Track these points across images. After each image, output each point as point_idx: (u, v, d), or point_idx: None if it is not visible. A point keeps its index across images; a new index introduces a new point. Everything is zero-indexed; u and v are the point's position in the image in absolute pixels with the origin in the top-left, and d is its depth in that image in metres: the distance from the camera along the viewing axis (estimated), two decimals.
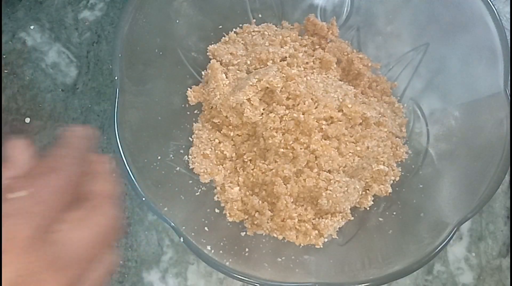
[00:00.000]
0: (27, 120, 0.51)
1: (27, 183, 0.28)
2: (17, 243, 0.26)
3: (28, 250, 0.26)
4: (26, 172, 0.29)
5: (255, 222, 0.44)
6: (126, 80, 0.41)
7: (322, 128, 0.44)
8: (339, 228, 0.44)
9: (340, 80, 0.48)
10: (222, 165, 0.46)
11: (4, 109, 0.51)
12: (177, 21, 0.46)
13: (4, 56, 0.52)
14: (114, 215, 0.30)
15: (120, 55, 0.41)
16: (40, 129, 0.50)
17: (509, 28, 0.41)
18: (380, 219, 0.44)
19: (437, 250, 0.38)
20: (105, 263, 0.30)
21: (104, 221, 0.29)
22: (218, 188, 0.45)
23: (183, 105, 0.47)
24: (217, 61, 0.47)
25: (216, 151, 0.46)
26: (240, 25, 0.50)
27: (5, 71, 0.52)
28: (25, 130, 0.50)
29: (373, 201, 0.45)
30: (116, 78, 0.40)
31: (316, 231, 0.43)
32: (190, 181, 0.45)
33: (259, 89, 0.43)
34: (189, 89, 0.47)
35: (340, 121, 0.44)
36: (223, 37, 0.49)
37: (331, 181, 0.43)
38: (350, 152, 0.44)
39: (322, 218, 0.43)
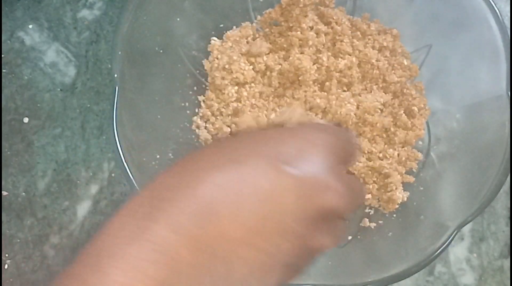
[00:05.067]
0: (26, 119, 0.50)
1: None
2: (328, 142, 0.29)
3: (334, 151, 0.29)
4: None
5: None
6: (126, 78, 0.41)
7: None
8: None
9: None
10: None
11: (2, 109, 0.51)
12: (178, 19, 0.46)
13: (2, 56, 0.52)
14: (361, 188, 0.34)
15: (120, 52, 0.40)
16: (39, 129, 0.50)
17: (509, 27, 0.41)
18: (380, 221, 0.44)
19: (437, 253, 0.38)
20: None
21: (358, 186, 0.31)
22: None
23: (182, 104, 0.46)
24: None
25: None
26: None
27: (4, 70, 0.51)
28: (23, 129, 0.50)
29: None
30: (115, 76, 0.40)
31: None
32: None
33: None
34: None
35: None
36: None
37: None
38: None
39: None
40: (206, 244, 0.25)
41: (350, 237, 0.44)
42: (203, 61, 0.48)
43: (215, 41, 0.48)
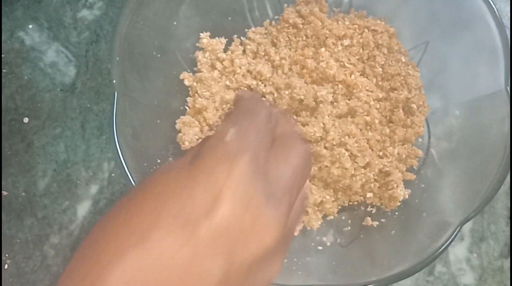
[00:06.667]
0: (26, 119, 0.50)
1: (234, 121, 0.29)
2: (237, 177, 0.25)
3: (248, 183, 0.25)
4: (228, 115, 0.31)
5: None
6: (124, 84, 0.41)
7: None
8: (342, 230, 0.44)
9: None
10: None
11: (2, 109, 0.50)
12: (175, 23, 0.46)
13: (2, 56, 0.52)
14: (305, 150, 0.30)
15: (118, 58, 0.40)
16: (39, 129, 0.50)
17: (509, 26, 0.41)
18: (383, 220, 0.44)
19: (440, 250, 0.38)
20: (301, 196, 0.30)
21: (297, 155, 0.29)
22: None
23: (181, 108, 0.46)
24: None
25: None
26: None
27: (4, 70, 0.51)
28: (23, 129, 0.50)
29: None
30: (114, 82, 0.40)
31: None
32: None
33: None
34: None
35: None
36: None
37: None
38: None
39: None
40: None
41: (352, 238, 0.44)
42: (191, 55, 0.48)
43: (208, 39, 0.48)
